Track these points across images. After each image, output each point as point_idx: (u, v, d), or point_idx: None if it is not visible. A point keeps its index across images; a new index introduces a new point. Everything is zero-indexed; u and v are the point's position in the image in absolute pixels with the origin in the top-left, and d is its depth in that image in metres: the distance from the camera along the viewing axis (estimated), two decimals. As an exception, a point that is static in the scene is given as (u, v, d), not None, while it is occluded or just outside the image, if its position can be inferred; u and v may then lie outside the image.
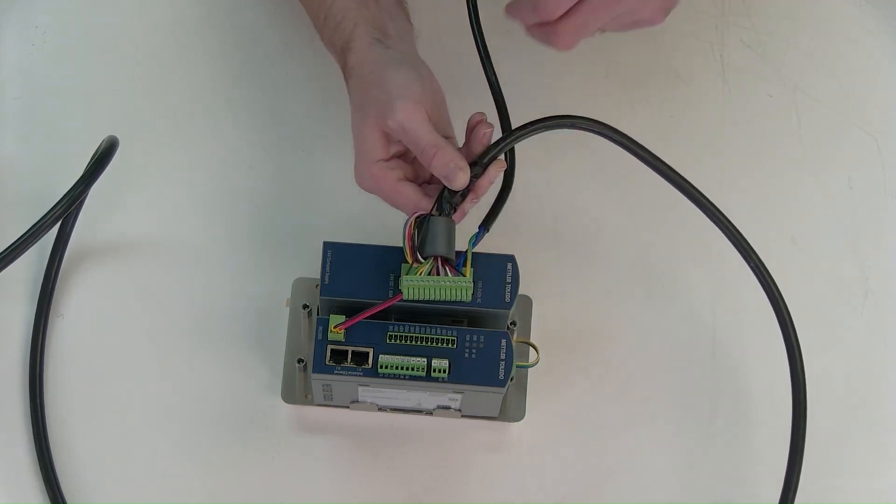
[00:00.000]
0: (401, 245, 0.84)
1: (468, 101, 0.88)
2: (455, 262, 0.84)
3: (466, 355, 0.85)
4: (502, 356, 0.84)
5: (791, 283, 0.91)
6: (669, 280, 0.98)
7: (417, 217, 0.84)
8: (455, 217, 0.84)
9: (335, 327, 0.84)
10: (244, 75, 1.03)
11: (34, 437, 0.92)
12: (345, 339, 0.84)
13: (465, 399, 0.88)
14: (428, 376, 0.84)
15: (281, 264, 0.97)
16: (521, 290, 0.87)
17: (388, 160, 0.86)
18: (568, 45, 0.84)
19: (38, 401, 0.93)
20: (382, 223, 0.90)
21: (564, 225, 0.99)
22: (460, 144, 0.86)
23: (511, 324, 0.91)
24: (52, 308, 0.96)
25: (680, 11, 1.06)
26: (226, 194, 1.00)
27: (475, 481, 0.93)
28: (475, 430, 0.94)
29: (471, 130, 0.85)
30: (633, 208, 1.00)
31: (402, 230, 0.84)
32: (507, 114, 0.91)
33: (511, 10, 0.85)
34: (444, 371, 0.84)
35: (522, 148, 0.88)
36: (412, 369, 0.84)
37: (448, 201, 0.84)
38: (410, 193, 0.85)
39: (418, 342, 0.85)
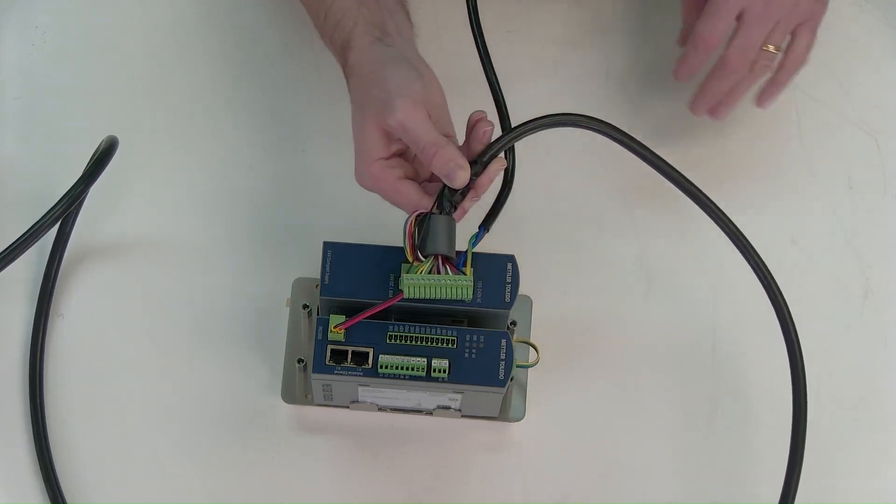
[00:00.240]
0: (401, 245, 0.84)
1: (468, 101, 0.87)
2: (455, 261, 0.84)
3: (466, 355, 0.85)
4: (502, 356, 0.84)
5: (791, 282, 0.91)
6: (669, 280, 0.98)
7: (418, 216, 0.84)
8: (455, 215, 0.84)
9: (335, 327, 0.84)
10: (244, 75, 1.03)
11: (34, 437, 0.92)
12: (345, 339, 0.84)
13: (465, 399, 0.88)
14: (428, 376, 0.84)
15: (281, 264, 0.97)
16: (521, 290, 0.87)
17: (388, 159, 0.86)
18: (739, 65, 0.94)
19: (38, 401, 0.93)
20: (382, 223, 0.90)
21: (564, 225, 0.99)
22: (460, 143, 0.86)
23: (511, 324, 0.91)
24: (52, 308, 0.96)
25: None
26: (226, 194, 1.00)
27: (475, 481, 0.93)
28: (475, 430, 0.94)
29: (471, 129, 0.85)
30: (634, 208, 1.00)
31: (402, 229, 0.84)
32: (507, 113, 0.91)
33: (697, 105, 0.95)
34: (444, 371, 0.84)
35: (522, 147, 0.88)
36: (412, 369, 0.84)
37: (448, 200, 0.84)
38: (411, 192, 0.85)
39: (418, 342, 0.85)
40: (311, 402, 0.92)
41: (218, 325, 0.96)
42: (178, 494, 0.92)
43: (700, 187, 0.88)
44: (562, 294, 0.97)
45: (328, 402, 0.91)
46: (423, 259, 0.84)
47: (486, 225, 0.87)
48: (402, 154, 0.87)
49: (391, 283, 0.85)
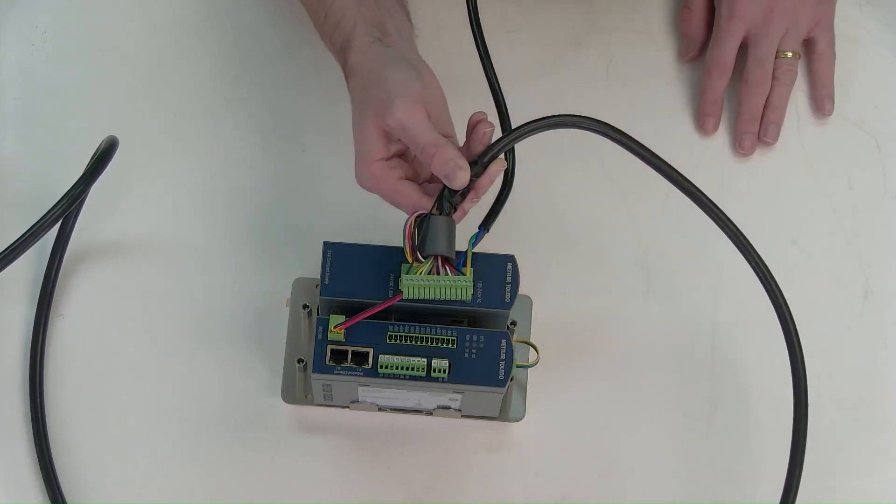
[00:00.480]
0: (401, 245, 0.84)
1: (468, 101, 0.87)
2: (455, 262, 0.84)
3: (466, 355, 0.85)
4: (502, 356, 0.84)
5: (791, 282, 0.90)
6: (669, 280, 0.98)
7: (418, 216, 0.84)
8: (455, 216, 0.84)
9: (335, 327, 0.84)
10: (244, 75, 1.03)
11: (34, 437, 0.92)
12: (345, 339, 0.84)
13: (465, 399, 0.88)
14: (428, 376, 0.84)
15: (281, 264, 0.97)
16: (521, 290, 0.86)
17: (388, 159, 0.86)
18: (761, 77, 1.01)
19: (38, 401, 0.93)
20: (382, 223, 0.90)
21: (564, 225, 0.99)
22: (461, 143, 0.86)
23: (511, 324, 0.91)
24: (52, 308, 0.96)
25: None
26: (226, 194, 1.00)
27: (475, 481, 0.93)
28: (475, 430, 0.94)
29: (471, 129, 0.85)
30: (634, 208, 1.00)
31: (402, 229, 0.84)
32: (507, 114, 0.91)
33: (744, 138, 1.02)
34: (444, 371, 0.84)
35: (522, 148, 0.88)
36: (412, 369, 0.84)
37: (448, 200, 0.84)
38: (411, 192, 0.85)
39: (418, 342, 0.85)
40: (311, 402, 0.92)
41: (218, 325, 0.96)
42: (178, 494, 0.92)
43: (700, 187, 0.88)
44: (562, 294, 0.97)
45: (328, 402, 0.91)
46: (422, 260, 0.84)
47: (486, 225, 0.87)
48: (402, 155, 0.87)
49: (391, 283, 0.85)
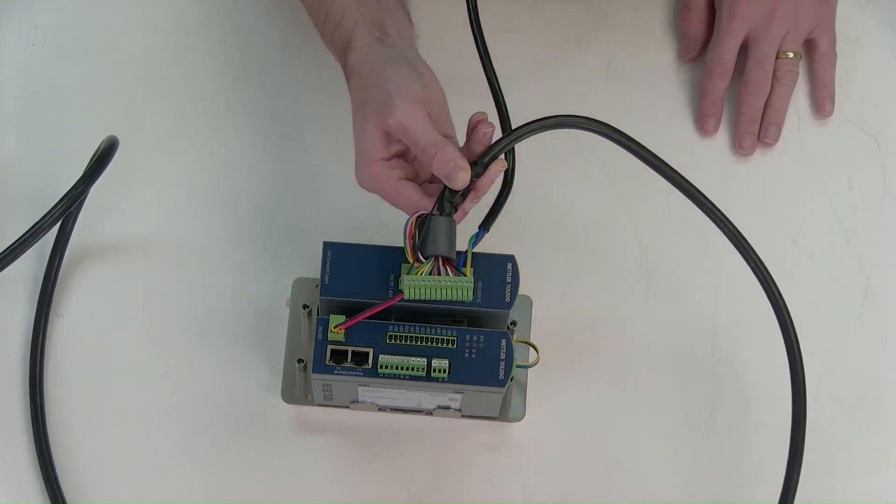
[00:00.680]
0: (401, 245, 0.84)
1: (468, 101, 0.87)
2: (456, 262, 0.84)
3: (466, 355, 0.85)
4: (502, 356, 0.84)
5: (791, 283, 0.91)
6: (669, 280, 0.98)
7: (418, 217, 0.84)
8: (456, 217, 0.84)
9: (335, 327, 0.84)
10: (244, 75, 1.03)
11: (34, 437, 0.92)
12: (345, 339, 0.84)
13: (465, 399, 0.88)
14: (428, 376, 0.84)
15: (281, 264, 0.97)
16: (521, 290, 0.86)
17: (388, 159, 0.86)
18: (762, 78, 1.01)
19: (38, 401, 0.93)
20: (382, 223, 0.90)
21: (564, 225, 0.99)
22: (461, 144, 0.86)
23: (511, 324, 0.91)
24: (52, 308, 0.96)
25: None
26: (226, 194, 1.00)
27: (475, 481, 0.93)
28: (475, 430, 0.94)
29: (471, 130, 0.85)
30: (634, 208, 1.00)
31: (402, 230, 0.84)
32: (507, 114, 0.91)
33: (744, 139, 1.02)
34: (444, 371, 0.84)
35: (522, 148, 0.88)
36: (412, 369, 0.84)
37: (449, 201, 0.84)
38: (411, 193, 0.85)
39: (418, 342, 0.85)
40: (311, 402, 0.92)
41: (218, 325, 0.96)
42: (178, 494, 0.92)
43: (700, 188, 0.88)
44: (562, 294, 0.97)
45: (328, 402, 0.91)
46: (423, 260, 0.84)
47: (486, 225, 0.87)
48: (403, 155, 0.87)
49: (391, 284, 0.85)
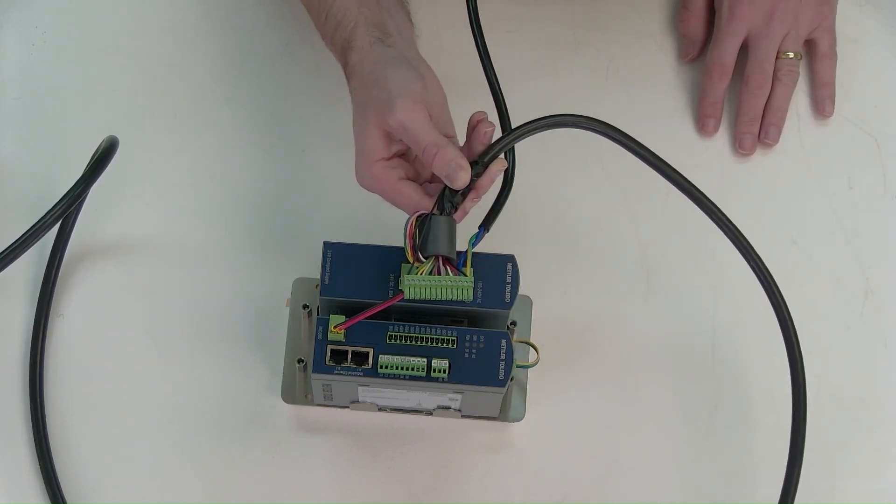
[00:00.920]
0: (401, 245, 0.84)
1: (468, 101, 0.87)
2: (456, 262, 0.84)
3: (466, 355, 0.85)
4: (502, 356, 0.84)
5: (791, 283, 0.91)
6: (669, 280, 0.98)
7: (419, 216, 0.84)
8: (456, 216, 0.84)
9: (335, 327, 0.84)
10: (244, 75, 1.03)
11: (34, 437, 0.92)
12: (345, 339, 0.84)
13: (465, 399, 0.88)
14: (428, 376, 0.84)
15: (281, 264, 0.97)
16: (521, 290, 0.86)
17: (389, 159, 0.86)
18: (762, 78, 1.01)
19: (38, 401, 0.93)
20: (382, 223, 0.90)
21: (564, 225, 0.99)
22: (461, 143, 0.86)
23: (511, 324, 0.91)
24: (52, 308, 0.96)
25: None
26: (226, 194, 1.00)
27: (475, 481, 0.93)
28: (475, 430, 0.94)
29: (472, 129, 0.85)
30: (633, 208, 1.00)
31: (402, 229, 0.84)
32: (507, 113, 0.91)
33: (744, 139, 1.01)
34: (444, 371, 0.84)
35: (522, 148, 0.88)
36: (412, 369, 0.84)
37: (449, 200, 0.84)
38: (411, 193, 0.85)
39: (418, 342, 0.85)
40: (311, 402, 0.92)
41: (218, 325, 0.96)
42: (178, 494, 0.92)
43: (700, 187, 0.88)
44: (562, 294, 0.97)
45: (328, 402, 0.91)
46: (423, 260, 0.84)
47: (486, 225, 0.87)
48: (403, 155, 0.87)
49: (391, 284, 0.85)
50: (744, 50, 1.03)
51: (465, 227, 0.85)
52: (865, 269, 0.99)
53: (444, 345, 0.85)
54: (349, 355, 0.84)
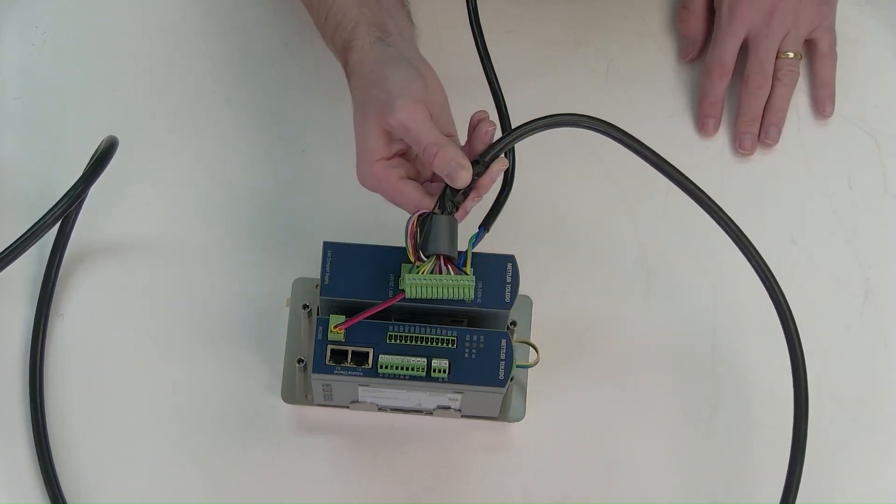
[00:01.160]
0: (401, 245, 0.84)
1: (468, 101, 0.88)
2: (457, 261, 0.84)
3: (466, 355, 0.85)
4: (502, 356, 0.84)
5: (791, 282, 0.90)
6: (669, 280, 0.98)
7: (420, 216, 0.84)
8: (457, 216, 0.84)
9: (335, 327, 0.84)
10: (244, 75, 1.03)
11: (34, 437, 0.92)
12: (345, 339, 0.84)
13: (465, 399, 0.88)
14: (428, 376, 0.84)
15: (281, 264, 0.97)
16: (521, 290, 0.86)
17: (389, 159, 0.86)
18: (762, 78, 1.01)
19: (38, 401, 0.93)
20: (382, 223, 0.90)
21: (564, 225, 0.99)
22: (462, 143, 0.86)
23: (511, 324, 0.91)
24: (52, 308, 0.96)
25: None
26: (226, 194, 1.00)
27: (475, 481, 0.93)
28: (475, 430, 0.94)
29: (473, 129, 0.85)
30: (634, 208, 1.00)
31: (403, 229, 0.84)
32: (507, 113, 0.91)
33: (744, 139, 1.01)
34: (444, 371, 0.84)
35: (522, 148, 0.88)
36: (412, 369, 0.84)
37: (450, 200, 0.84)
38: (412, 192, 0.85)
39: (418, 342, 0.85)
40: (311, 402, 0.92)
41: (218, 325, 0.96)
42: (178, 494, 0.92)
43: (700, 187, 0.88)
44: (562, 294, 0.97)
45: (328, 402, 0.91)
46: (424, 259, 0.84)
47: (486, 225, 0.87)
48: (404, 154, 0.87)
49: (391, 283, 0.85)
50: (744, 50, 1.03)
51: (466, 227, 0.85)
52: (865, 269, 0.99)
53: (444, 345, 0.85)
54: (349, 355, 0.84)
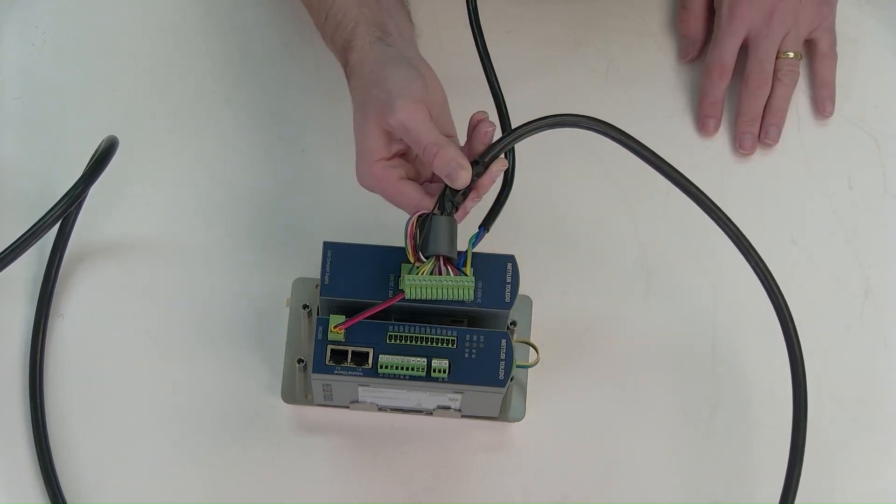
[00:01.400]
0: (400, 245, 0.84)
1: (468, 101, 0.88)
2: (457, 262, 0.84)
3: (466, 355, 0.85)
4: (502, 356, 0.84)
5: (791, 282, 0.91)
6: (669, 280, 0.98)
7: (419, 216, 0.84)
8: (457, 216, 0.84)
9: (335, 327, 0.84)
10: (244, 75, 1.03)
11: (34, 437, 0.92)
12: (345, 339, 0.84)
13: (465, 399, 0.88)
14: (428, 376, 0.84)
15: (281, 264, 0.97)
16: (521, 290, 0.86)
17: (389, 159, 0.86)
18: (762, 78, 1.01)
19: (38, 401, 0.93)
20: (382, 223, 0.90)
21: (564, 225, 0.99)
22: (462, 143, 0.86)
23: (511, 324, 0.91)
24: (52, 308, 0.96)
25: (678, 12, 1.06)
26: (226, 194, 1.00)
27: (475, 481, 0.93)
28: (475, 430, 0.94)
29: (472, 129, 0.85)
30: (634, 208, 1.00)
31: (403, 229, 0.84)
32: (507, 113, 0.91)
33: (744, 139, 1.01)
34: (444, 371, 0.84)
35: (522, 148, 0.88)
36: (412, 369, 0.84)
37: (450, 200, 0.84)
38: (412, 192, 0.85)
39: (418, 342, 0.85)
40: (311, 402, 0.92)
41: (218, 325, 0.96)
42: (178, 494, 0.92)
43: (700, 187, 0.88)
44: (562, 294, 0.97)
45: (328, 402, 0.91)
46: (424, 260, 0.84)
47: (486, 225, 0.87)
48: (404, 154, 0.87)
49: (391, 283, 0.85)
50: (744, 50, 1.03)
51: (466, 227, 0.85)
52: (865, 269, 0.99)
53: (444, 345, 0.85)
54: (349, 355, 0.84)
